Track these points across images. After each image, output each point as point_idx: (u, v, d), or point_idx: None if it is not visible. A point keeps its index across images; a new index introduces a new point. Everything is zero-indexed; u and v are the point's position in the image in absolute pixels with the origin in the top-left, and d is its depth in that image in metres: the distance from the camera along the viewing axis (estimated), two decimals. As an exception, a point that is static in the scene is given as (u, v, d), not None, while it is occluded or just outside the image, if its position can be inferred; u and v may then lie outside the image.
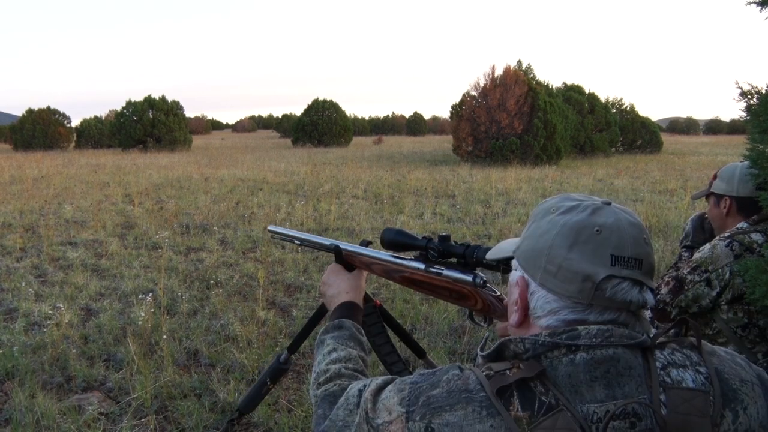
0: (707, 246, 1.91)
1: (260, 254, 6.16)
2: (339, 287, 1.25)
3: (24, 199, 10.08)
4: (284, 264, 5.75)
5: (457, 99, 21.39)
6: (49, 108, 30.91)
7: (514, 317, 0.82)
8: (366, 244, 1.31)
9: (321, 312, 1.45)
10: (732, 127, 61.85)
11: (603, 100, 24.64)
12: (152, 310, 4.08)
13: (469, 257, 1.10)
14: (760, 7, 1.88)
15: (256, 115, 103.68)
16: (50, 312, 4.30)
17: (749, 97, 1.91)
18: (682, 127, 69.73)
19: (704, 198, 2.17)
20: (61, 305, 4.28)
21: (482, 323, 1.16)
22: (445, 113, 54.64)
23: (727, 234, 1.90)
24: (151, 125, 27.77)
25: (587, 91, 23.96)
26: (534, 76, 21.44)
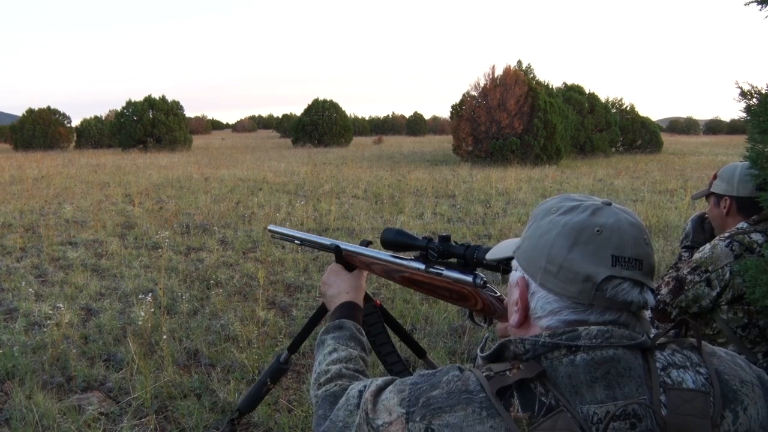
0: (707, 246, 1.91)
1: (260, 254, 6.16)
2: (339, 287, 1.25)
3: (24, 199, 10.08)
4: (284, 264, 5.75)
5: (457, 99, 21.42)
6: (49, 108, 30.91)
7: (514, 317, 0.82)
8: (366, 244, 1.31)
9: (321, 312, 1.45)
10: (732, 127, 61.85)
11: (603, 100, 24.65)
12: (152, 310, 4.09)
13: (470, 258, 1.10)
14: (760, 6, 1.87)
15: (256, 115, 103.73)
16: (50, 312, 4.30)
17: (749, 97, 1.91)
18: (682, 127, 69.72)
19: (704, 198, 2.17)
20: (61, 305, 4.28)
21: (482, 324, 1.16)
22: (445, 113, 54.66)
23: (727, 234, 1.90)
24: (151, 125, 27.77)
25: (587, 91, 23.96)
26: (534, 76, 21.44)
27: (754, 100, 1.89)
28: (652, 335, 0.78)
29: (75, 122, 33.02)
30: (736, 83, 1.92)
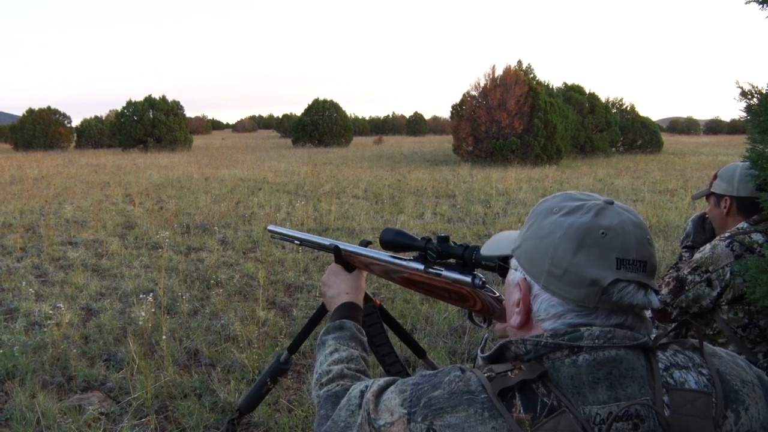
0: (707, 246, 1.91)
1: (260, 254, 6.16)
2: (339, 288, 1.25)
3: (24, 199, 10.08)
4: (284, 264, 5.75)
5: (457, 99, 21.42)
6: (49, 108, 30.92)
7: (515, 319, 0.81)
8: (366, 244, 1.31)
9: (321, 312, 1.45)
10: (732, 127, 61.83)
11: (603, 100, 24.64)
12: (153, 309, 4.09)
13: (468, 258, 1.09)
14: (761, 6, 1.87)
15: (257, 115, 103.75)
16: (51, 312, 4.30)
17: (749, 97, 1.91)
18: (683, 127, 69.71)
19: (705, 198, 2.17)
20: (61, 305, 4.28)
21: (481, 324, 1.16)
22: (445, 113, 54.64)
23: (727, 234, 1.90)
24: (151, 125, 27.78)
25: (587, 91, 23.96)
26: (534, 76, 21.44)
27: (755, 99, 1.89)
28: (653, 336, 0.77)
29: (75, 122, 33.10)
30: (737, 83, 1.92)
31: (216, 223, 7.90)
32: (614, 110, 25.43)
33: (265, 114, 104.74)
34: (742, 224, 1.93)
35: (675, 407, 0.72)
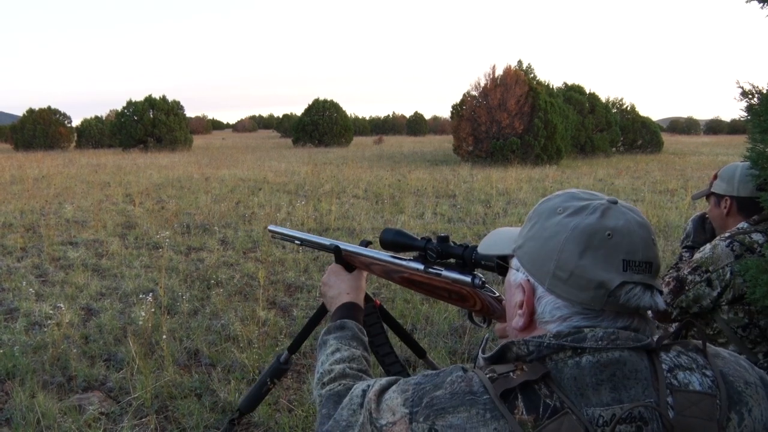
0: (708, 246, 1.90)
1: (261, 254, 6.16)
2: (339, 288, 1.25)
3: (25, 198, 10.08)
4: (285, 264, 5.75)
5: (457, 99, 21.41)
6: (49, 108, 30.92)
7: (518, 321, 0.80)
8: (366, 244, 1.31)
9: (321, 312, 1.45)
10: (733, 127, 61.82)
11: (603, 100, 24.65)
12: (153, 309, 4.09)
13: (468, 258, 1.09)
14: (761, 5, 1.87)
15: (257, 115, 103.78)
16: (51, 312, 4.30)
17: (750, 96, 1.90)
18: (683, 127, 69.71)
19: (705, 198, 2.17)
20: (61, 305, 4.28)
21: (481, 324, 1.15)
22: (445, 113, 54.64)
23: (727, 234, 1.90)
24: (151, 125, 27.78)
25: (588, 91, 23.96)
26: (534, 76, 21.43)
27: (755, 99, 1.89)
28: (656, 337, 0.77)
29: (75, 122, 33.09)
30: (737, 83, 1.92)
31: (216, 223, 7.90)
32: (614, 110, 25.43)
33: (265, 114, 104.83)
34: (743, 224, 1.93)
35: (679, 409, 0.71)
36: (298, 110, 54.36)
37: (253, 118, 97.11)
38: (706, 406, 0.72)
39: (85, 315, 4.36)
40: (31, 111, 30.32)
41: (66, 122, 31.83)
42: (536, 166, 17.07)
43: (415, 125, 58.59)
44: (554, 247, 0.75)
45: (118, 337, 3.85)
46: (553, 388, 0.71)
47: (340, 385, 0.98)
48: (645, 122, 25.99)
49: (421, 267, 1.18)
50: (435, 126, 64.31)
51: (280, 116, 61.96)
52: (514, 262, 0.83)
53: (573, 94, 23.08)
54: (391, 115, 68.96)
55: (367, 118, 66.84)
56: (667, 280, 1.99)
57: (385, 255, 1.25)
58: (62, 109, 31.73)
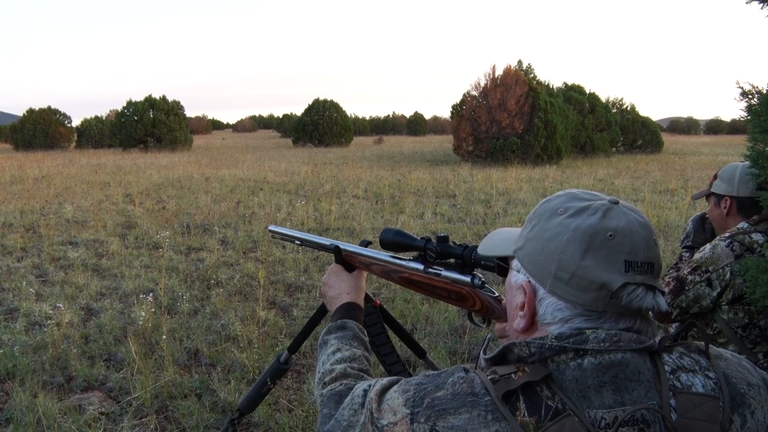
0: (708, 246, 1.90)
1: (261, 254, 6.16)
2: (340, 288, 1.25)
3: (25, 198, 10.08)
4: (285, 264, 5.75)
5: (457, 99, 21.42)
6: (49, 108, 30.92)
7: (519, 323, 0.80)
8: (366, 244, 1.31)
9: (321, 312, 1.45)
10: (733, 127, 61.83)
11: (603, 99, 24.64)
12: (153, 309, 4.09)
13: (467, 258, 1.09)
14: (761, 5, 1.87)
15: (257, 115, 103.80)
16: (51, 312, 4.30)
17: (750, 96, 1.90)
18: (683, 127, 69.70)
19: (705, 198, 2.17)
20: (61, 305, 4.28)
21: (481, 324, 1.15)
22: (445, 113, 54.64)
23: (727, 234, 1.90)
24: (151, 125, 27.78)
25: (588, 91, 23.95)
26: (534, 76, 21.44)
27: (755, 99, 1.89)
28: (658, 338, 0.76)
29: (75, 122, 33.09)
30: (737, 83, 1.92)
31: (216, 223, 7.90)
32: (614, 110, 25.43)
33: (265, 114, 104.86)
34: (743, 224, 1.93)
35: (682, 411, 0.71)
36: (298, 110, 54.42)
37: (253, 118, 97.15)
38: (709, 409, 0.72)
39: (85, 315, 4.36)
40: (31, 111, 30.32)
41: (66, 122, 31.83)
42: (536, 166, 17.07)
43: (415, 125, 58.58)
44: (555, 249, 0.75)
45: (118, 337, 3.85)
46: (554, 390, 0.71)
47: (341, 384, 0.98)
48: (645, 122, 25.99)
49: (420, 267, 1.18)
50: (435, 126, 64.30)
51: (280, 116, 61.96)
52: (515, 264, 0.82)
53: (573, 94, 23.08)
54: (391, 115, 68.96)
55: (367, 118, 66.87)
56: (667, 280, 1.99)
57: (384, 255, 1.25)
58: (62, 109, 31.75)
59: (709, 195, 2.11)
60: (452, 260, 1.14)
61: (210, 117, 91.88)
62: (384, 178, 13.37)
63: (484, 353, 0.82)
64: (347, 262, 1.30)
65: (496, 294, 1.10)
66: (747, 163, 1.91)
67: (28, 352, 3.58)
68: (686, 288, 1.89)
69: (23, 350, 3.58)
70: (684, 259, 2.16)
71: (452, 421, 0.71)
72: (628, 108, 26.50)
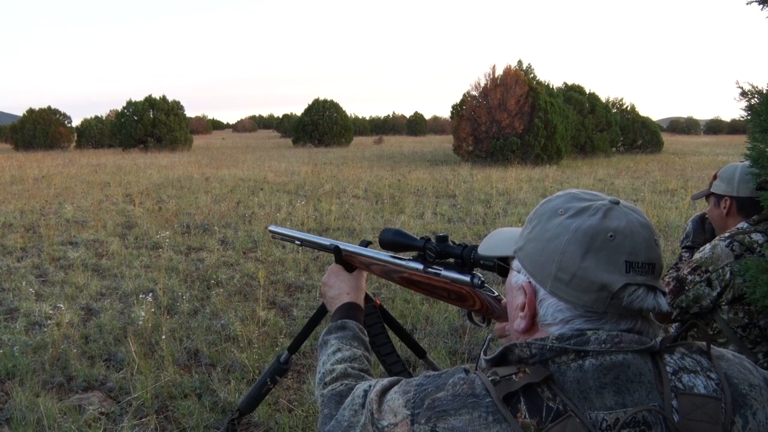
0: (707, 246, 1.90)
1: (261, 254, 6.16)
2: (340, 288, 1.24)
3: (25, 198, 10.08)
4: (285, 264, 5.75)
5: (457, 99, 21.42)
6: (49, 108, 30.92)
7: (519, 323, 0.79)
8: (366, 244, 1.31)
9: (321, 312, 1.45)
10: (733, 127, 61.83)
11: (603, 100, 24.64)
12: (153, 309, 4.09)
13: (467, 258, 1.09)
14: (761, 6, 1.87)
15: (257, 115, 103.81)
16: (51, 312, 4.30)
17: (750, 96, 1.90)
18: (683, 127, 69.70)
19: (705, 198, 2.17)
20: (61, 305, 4.28)
21: (481, 324, 1.15)
22: (445, 113, 54.62)
23: (727, 234, 1.90)
24: (151, 125, 27.78)
25: (588, 91, 23.96)
26: (534, 76, 21.44)
27: (755, 99, 1.89)
28: (659, 338, 0.76)
29: (75, 122, 33.09)
30: (737, 83, 1.92)
31: (216, 223, 7.90)
32: (614, 110, 25.43)
33: (265, 114, 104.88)
34: (742, 224, 1.93)
35: (684, 412, 0.71)
36: (298, 110, 54.39)
37: (253, 118, 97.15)
38: (711, 410, 0.71)
39: (85, 315, 4.36)
40: (31, 111, 30.32)
41: (66, 122, 31.83)
42: (536, 166, 17.07)
43: (415, 125, 58.58)
44: (556, 249, 0.74)
45: (118, 337, 3.85)
46: (555, 391, 0.70)
47: (342, 384, 0.98)
48: (645, 122, 25.99)
49: (420, 267, 1.18)
50: (435, 126, 64.30)
51: (280, 116, 61.97)
52: (515, 264, 0.82)
53: (573, 94, 23.08)
54: (391, 115, 68.96)
55: (367, 118, 66.87)
56: (666, 280, 1.99)
57: (384, 255, 1.25)
58: (62, 109, 31.75)
59: (708, 195, 2.11)
60: (452, 260, 1.14)
61: (210, 117, 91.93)
62: (384, 178, 13.37)
63: (485, 354, 0.81)
64: (347, 262, 1.30)
65: (496, 293, 1.10)
66: (747, 163, 1.91)
67: (28, 352, 3.58)
68: (686, 288, 1.89)
69: (23, 350, 3.58)
70: (684, 259, 2.16)
71: (453, 422, 0.71)
72: (628, 108, 26.51)
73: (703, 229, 2.24)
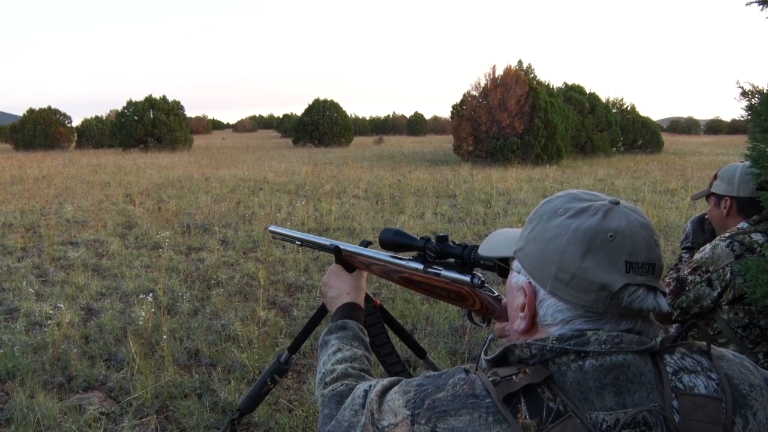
0: (708, 246, 1.90)
1: (261, 254, 6.16)
2: (340, 288, 1.24)
3: (25, 198, 10.09)
4: (285, 264, 5.75)
5: (457, 99, 21.42)
6: (50, 108, 30.94)
7: (519, 324, 0.79)
8: (366, 244, 1.31)
9: (322, 312, 1.45)
10: (733, 127, 61.82)
11: (604, 99, 24.64)
12: (153, 309, 4.09)
13: (467, 258, 1.09)
14: (761, 7, 1.87)
15: (257, 115, 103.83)
16: (51, 312, 4.30)
17: (750, 96, 1.90)
18: (683, 127, 69.70)
19: (705, 198, 2.17)
20: (61, 305, 4.28)
21: (481, 324, 1.15)
22: (445, 113, 54.60)
23: (727, 234, 1.90)
24: (151, 125, 27.79)
25: (588, 91, 23.96)
26: (535, 76, 21.45)
27: (756, 99, 1.89)
28: (659, 338, 0.76)
29: (76, 122, 33.12)
30: (737, 83, 1.92)
31: (216, 223, 7.90)
32: (615, 110, 25.43)
33: (265, 114, 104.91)
34: (743, 224, 1.93)
35: (685, 413, 0.71)
36: (299, 110, 54.45)
37: (253, 118, 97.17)
38: (711, 410, 0.71)
39: (85, 315, 4.36)
40: (31, 111, 30.34)
41: (66, 122, 31.84)
42: (536, 166, 17.07)
43: (416, 125, 58.58)
44: (556, 250, 0.74)
45: (119, 337, 3.85)
46: (556, 392, 0.70)
47: (342, 385, 0.98)
48: (645, 122, 25.99)
49: (420, 267, 1.18)
50: (435, 126, 64.30)
51: (281, 116, 61.97)
52: (515, 265, 0.82)
53: (573, 94, 23.08)
54: (391, 115, 68.98)
55: (367, 118, 66.88)
56: (667, 280, 1.99)
57: (384, 255, 1.25)
58: (62, 109, 31.76)
59: (709, 195, 2.11)
60: (452, 260, 1.14)
61: (210, 117, 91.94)
62: (384, 178, 13.37)
63: (485, 354, 0.81)
64: (347, 262, 1.30)
65: (496, 293, 1.10)
66: (747, 163, 1.91)
67: (28, 352, 3.58)
68: (687, 288, 1.89)
69: (23, 350, 3.58)
70: (684, 260, 2.16)
71: (453, 422, 0.71)
72: (629, 108, 26.50)
73: (702, 230, 2.24)
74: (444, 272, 1.13)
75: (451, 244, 1.13)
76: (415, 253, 1.20)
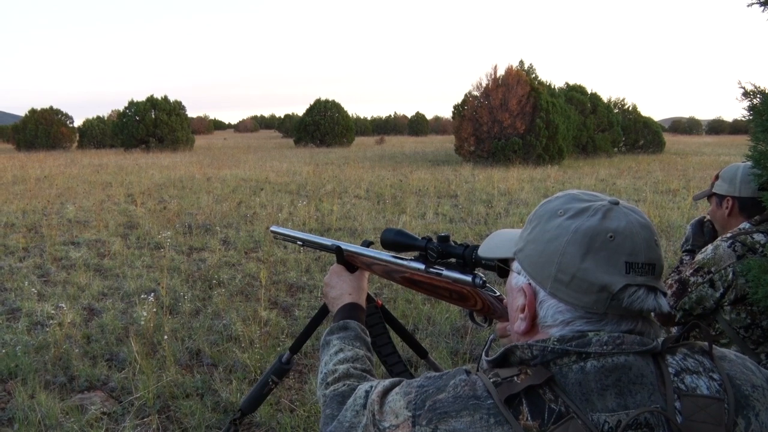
0: (709, 247, 1.90)
1: (262, 254, 6.16)
2: (342, 289, 1.24)
3: (27, 199, 10.10)
4: (286, 264, 5.75)
5: (459, 99, 21.41)
6: (51, 108, 30.99)
7: (520, 325, 0.79)
8: (368, 244, 1.30)
9: (323, 312, 1.45)
10: (734, 127, 61.74)
11: (605, 100, 24.62)
12: (154, 309, 4.09)
13: (468, 258, 1.09)
14: (762, 8, 1.87)
15: (259, 115, 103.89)
16: (53, 312, 4.31)
17: (752, 96, 1.90)
18: (685, 127, 69.58)
19: (706, 199, 2.16)
20: (63, 305, 4.29)
21: (483, 324, 1.15)
22: (447, 113, 54.62)
23: (729, 235, 1.90)
24: (153, 125, 27.82)
25: (589, 91, 23.93)
26: (536, 76, 21.43)
27: (757, 99, 1.89)
28: (661, 339, 0.76)
29: (77, 122, 33.18)
30: (739, 83, 1.92)
31: (218, 223, 7.90)
32: (616, 110, 25.41)
33: (267, 114, 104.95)
34: (744, 225, 1.93)
35: (687, 414, 0.70)
36: (300, 110, 54.54)
37: (254, 118, 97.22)
38: (714, 411, 0.71)
39: (87, 315, 4.37)
40: (33, 111, 30.40)
41: (68, 122, 31.90)
42: (538, 167, 17.06)
43: (417, 125, 58.57)
44: (555, 250, 0.74)
45: (120, 337, 3.85)
46: (557, 393, 0.70)
47: (344, 385, 0.98)
48: (647, 122, 25.96)
49: (421, 267, 1.17)
50: (437, 126, 64.29)
51: (282, 116, 62.01)
52: (515, 266, 0.82)
53: (575, 94, 23.06)
54: (392, 116, 68.95)
55: (369, 118, 66.86)
56: (669, 282, 1.98)
57: (386, 255, 1.25)
58: (64, 110, 31.83)
59: (710, 195, 2.11)
60: (453, 260, 1.14)
61: (212, 117, 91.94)
62: (385, 179, 13.37)
63: (486, 354, 0.81)
64: (349, 262, 1.30)
65: (498, 293, 1.10)
66: (749, 163, 1.91)
67: (30, 352, 3.58)
68: (689, 290, 1.89)
69: (25, 350, 3.59)
70: (685, 262, 2.16)
71: (454, 424, 0.71)
72: (630, 108, 26.48)
73: (702, 233, 2.24)
74: (446, 272, 1.13)
75: (453, 244, 1.13)
76: (416, 254, 1.20)
